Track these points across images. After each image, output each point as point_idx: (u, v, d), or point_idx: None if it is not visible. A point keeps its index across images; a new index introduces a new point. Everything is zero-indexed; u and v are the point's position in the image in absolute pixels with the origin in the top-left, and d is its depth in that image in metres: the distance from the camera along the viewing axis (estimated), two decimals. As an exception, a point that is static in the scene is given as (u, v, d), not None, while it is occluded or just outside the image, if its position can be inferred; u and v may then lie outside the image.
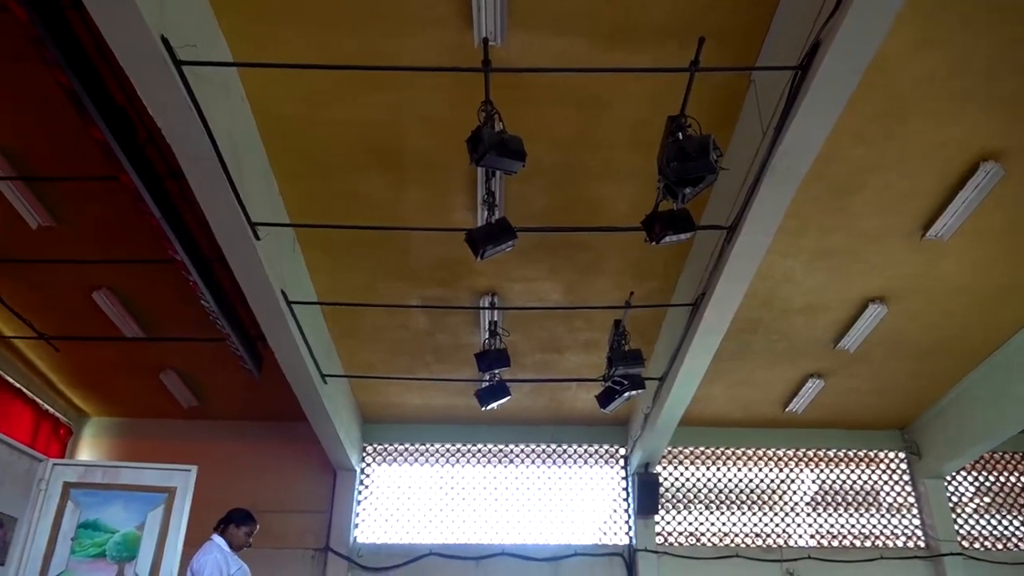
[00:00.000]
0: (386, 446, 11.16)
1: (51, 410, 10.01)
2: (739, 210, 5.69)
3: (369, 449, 11.13)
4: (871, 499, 11.04)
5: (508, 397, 7.97)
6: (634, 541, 10.50)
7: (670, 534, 10.69)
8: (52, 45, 4.66)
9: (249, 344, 8.26)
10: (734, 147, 5.80)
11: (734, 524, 10.82)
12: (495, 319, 7.95)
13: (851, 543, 10.74)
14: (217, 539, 5.31)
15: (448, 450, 11.13)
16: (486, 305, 7.95)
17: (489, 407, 8.00)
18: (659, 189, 4.88)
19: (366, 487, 10.94)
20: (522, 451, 11.14)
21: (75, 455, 10.45)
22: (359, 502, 10.78)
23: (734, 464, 11.18)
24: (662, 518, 10.72)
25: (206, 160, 4.98)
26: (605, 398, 7.67)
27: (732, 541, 10.71)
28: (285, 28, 5.10)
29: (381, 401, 10.46)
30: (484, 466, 11.06)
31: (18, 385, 9.31)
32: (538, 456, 11.13)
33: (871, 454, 11.20)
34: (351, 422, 10.31)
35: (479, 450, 11.12)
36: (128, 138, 5.49)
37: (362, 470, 10.98)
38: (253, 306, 6.82)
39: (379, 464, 11.11)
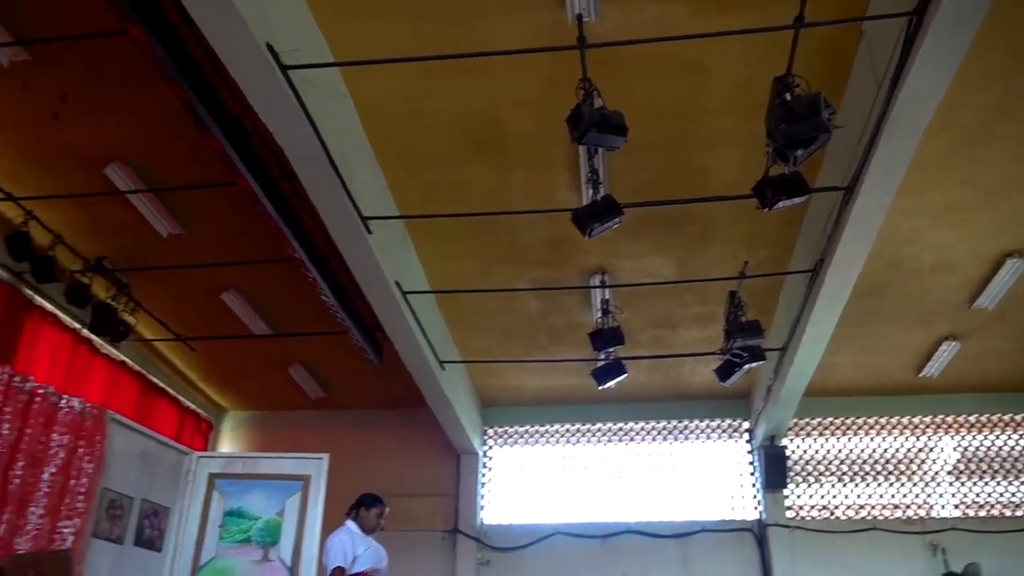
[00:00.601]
0: (506, 428, 11.31)
1: (192, 406, 10.66)
2: (857, 169, 5.42)
3: (490, 432, 11.31)
4: (1019, 465, 10.38)
5: (624, 375, 7.93)
6: (764, 516, 10.27)
7: (801, 508, 10.39)
8: (168, 61, 4.92)
9: (369, 335, 8.53)
10: (847, 103, 5.52)
11: (870, 496, 10.41)
12: (606, 297, 7.90)
13: (1000, 512, 10.15)
14: (349, 523, 5.51)
15: (568, 430, 11.17)
16: (596, 284, 7.91)
17: (606, 386, 7.98)
18: (768, 154, 4.71)
19: (489, 469, 11.13)
20: (642, 428, 11.06)
21: (216, 448, 11.10)
22: (483, 484, 10.98)
23: (866, 434, 10.73)
24: (792, 492, 10.42)
25: (316, 160, 5.16)
26: (724, 371, 7.51)
27: (869, 513, 10.31)
28: (379, 23, 5.19)
29: (499, 384, 10.60)
30: (605, 444, 11.05)
31: (161, 384, 9.95)
32: (659, 432, 11.02)
33: (1016, 418, 10.52)
34: (471, 406, 10.50)
35: (599, 429, 11.11)
36: (243, 144, 5.74)
37: (484, 453, 11.18)
38: (369, 298, 7.04)
39: (500, 446, 11.28)
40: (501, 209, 6.91)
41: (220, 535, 7.11)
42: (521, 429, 11.28)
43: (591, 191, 5.45)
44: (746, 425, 10.87)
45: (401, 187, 6.64)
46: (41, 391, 6.54)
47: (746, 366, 7.16)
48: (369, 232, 6.04)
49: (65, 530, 6.29)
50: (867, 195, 5.52)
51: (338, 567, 5.21)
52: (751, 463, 10.70)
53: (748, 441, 10.84)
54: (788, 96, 4.42)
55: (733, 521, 10.37)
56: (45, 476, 6.34)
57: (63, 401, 6.68)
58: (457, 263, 7.78)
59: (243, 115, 5.55)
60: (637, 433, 11.06)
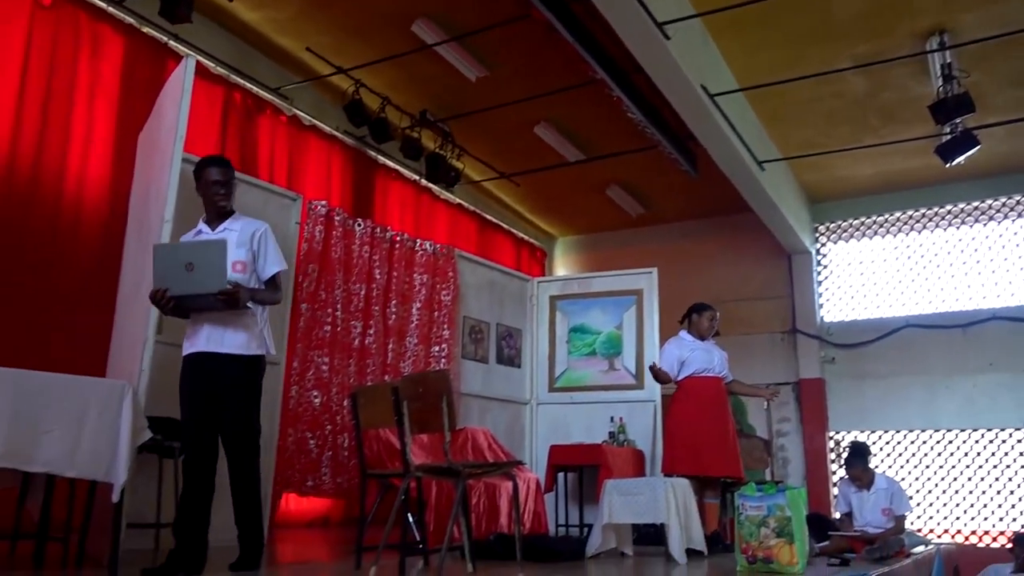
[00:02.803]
0: (839, 223, 10.66)
1: (525, 237, 11.45)
2: None
3: (821, 228, 10.75)
4: None
5: (977, 147, 6.99)
6: None
7: None
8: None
9: (681, 145, 8.37)
10: None
11: None
12: (948, 61, 6.86)
13: None
14: (682, 332, 5.75)
15: (911, 217, 10.22)
16: (934, 47, 6.88)
17: (954, 162, 7.12)
18: None
19: (824, 267, 10.67)
20: (1003, 205, 9.75)
21: (552, 272, 11.89)
22: (819, 283, 10.59)
23: None
24: None
25: (601, -28, 4.97)
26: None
27: None
28: None
29: (827, 177, 9.92)
30: (958, 227, 9.96)
31: (495, 220, 10.76)
32: (1025, 207, 9.65)
33: None
34: (798, 204, 10.01)
35: (948, 212, 10.01)
36: (529, -27, 5.69)
37: (817, 251, 10.70)
38: (676, 107, 6.84)
39: (834, 242, 10.70)
40: (809, -18, 6.18)
41: (568, 350, 7.76)
42: (856, 222, 10.56)
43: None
44: None
45: (694, -18, 6.19)
46: (399, 238, 7.43)
47: None
48: (667, 38, 5.78)
49: (437, 354, 7.27)
50: None
51: (667, 371, 5.61)
52: None
53: None
54: None
55: None
56: (414, 311, 7.30)
57: (418, 244, 7.54)
58: (764, 53, 7.20)
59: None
60: (997, 211, 9.78)
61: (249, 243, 3.74)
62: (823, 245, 10.73)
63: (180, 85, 4.47)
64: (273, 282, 3.80)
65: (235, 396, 3.59)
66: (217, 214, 3.83)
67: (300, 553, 4.97)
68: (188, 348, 3.70)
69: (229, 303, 3.48)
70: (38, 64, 5.47)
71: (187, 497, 3.58)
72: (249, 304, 3.63)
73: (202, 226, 3.85)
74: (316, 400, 6.36)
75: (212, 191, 3.82)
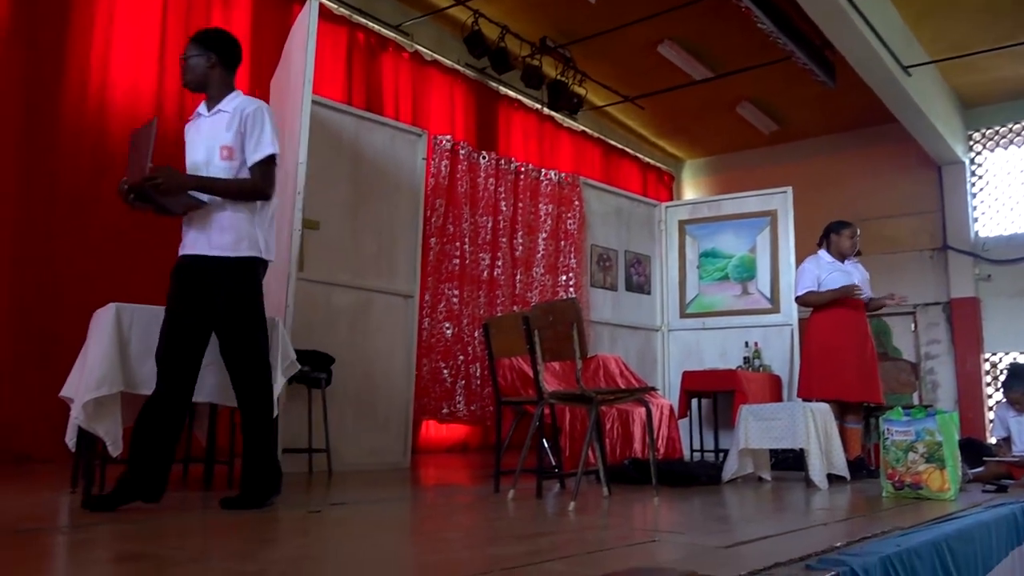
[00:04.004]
0: (996, 129, 9.82)
1: (651, 161, 11.19)
2: None
3: (976, 136, 9.93)
4: None
5: None
6: None
7: None
8: None
9: (816, 54, 7.87)
10: None
11: None
12: None
13: None
14: (820, 252, 5.46)
15: (1082, 117, 9.28)
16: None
17: None
18: None
19: (979, 177, 9.89)
20: None
21: (680, 197, 11.60)
22: (973, 195, 9.84)
23: None
24: None
25: None
26: None
27: None
28: None
29: (983, 80, 9.11)
30: None
31: (620, 146, 10.56)
32: None
33: None
34: (948, 110, 9.27)
35: None
36: None
37: (971, 160, 9.92)
38: (810, 12, 6.42)
39: (991, 150, 9.88)
40: None
41: (699, 275, 7.60)
42: (1016, 127, 9.69)
43: None
44: None
45: None
46: (523, 169, 7.43)
47: None
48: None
49: (564, 283, 7.29)
50: None
51: (807, 291, 5.33)
52: None
53: None
54: None
55: None
56: (540, 241, 7.33)
57: (542, 175, 7.51)
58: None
59: None
60: None
61: (238, 124, 3.13)
62: (978, 154, 9.93)
63: (305, 29, 4.58)
64: (257, 170, 3.13)
65: (223, 303, 3.08)
66: (206, 96, 3.25)
67: (442, 477, 5.20)
68: (179, 254, 3.22)
69: (167, 200, 3.03)
70: (175, 17, 5.74)
71: (146, 410, 3.03)
72: (205, 198, 3.09)
73: (200, 108, 3.30)
74: (448, 331, 6.56)
75: None
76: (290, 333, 3.85)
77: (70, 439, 3.44)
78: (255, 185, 3.13)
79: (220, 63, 3.20)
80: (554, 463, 4.64)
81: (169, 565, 1.93)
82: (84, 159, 5.22)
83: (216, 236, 3.09)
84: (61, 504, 3.09)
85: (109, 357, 3.12)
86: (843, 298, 5.22)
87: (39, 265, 4.91)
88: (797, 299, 5.52)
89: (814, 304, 5.36)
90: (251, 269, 3.14)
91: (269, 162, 3.13)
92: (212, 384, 3.34)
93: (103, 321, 3.21)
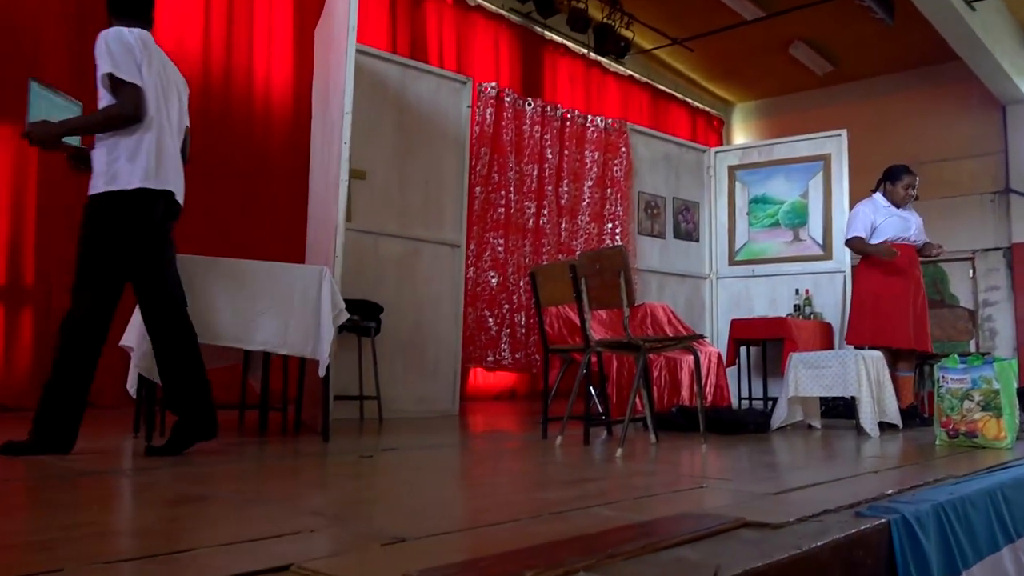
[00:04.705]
0: (1066, 65, 9.38)
1: (701, 106, 10.95)
2: None
3: (1044, 73, 9.51)
4: None
5: None
6: None
7: None
8: None
9: (874, -9, 7.57)
10: None
11: None
12: None
13: None
14: (876, 196, 5.27)
15: None
16: None
17: None
18: None
19: (1047, 117, 9.49)
20: None
21: (730, 141, 11.35)
22: (1040, 135, 9.46)
23: None
24: None
25: None
26: None
27: None
28: None
29: (1052, 12, 8.67)
30: None
31: (668, 90, 10.34)
32: None
33: None
34: (1015, 47, 8.85)
35: None
36: None
37: (1038, 99, 9.51)
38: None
39: (1060, 88, 9.45)
40: None
41: (749, 221, 7.46)
42: (1088, 62, 9.25)
43: None
44: None
45: None
46: (569, 115, 7.33)
47: None
48: None
49: (610, 231, 7.23)
50: None
51: (856, 236, 5.16)
52: None
53: None
54: None
55: None
56: (586, 189, 7.26)
57: (588, 121, 7.41)
58: None
59: None
60: None
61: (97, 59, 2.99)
62: (1045, 92, 9.52)
63: (348, -24, 4.52)
64: (113, 96, 2.95)
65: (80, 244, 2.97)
66: None
67: (490, 424, 5.27)
68: None
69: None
70: (219, -31, 5.74)
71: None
72: (72, 140, 3.04)
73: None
74: (493, 280, 6.58)
75: None
76: (339, 283, 3.90)
77: (131, 386, 3.57)
78: (107, 111, 2.95)
79: (110, 10, 3.14)
80: (601, 411, 4.66)
81: (228, 507, 2.00)
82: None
83: (92, 178, 2.98)
84: (124, 448, 3.22)
85: (165, 307, 3.19)
86: (896, 243, 5.06)
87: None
88: (846, 242, 5.35)
89: (859, 251, 5.22)
90: (96, 207, 2.95)
91: (116, 83, 2.93)
92: (266, 333, 3.41)
93: (158, 272, 3.28)
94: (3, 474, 2.50)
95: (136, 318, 3.54)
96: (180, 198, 3.15)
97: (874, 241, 5.12)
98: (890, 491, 2.19)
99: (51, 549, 1.45)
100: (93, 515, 1.89)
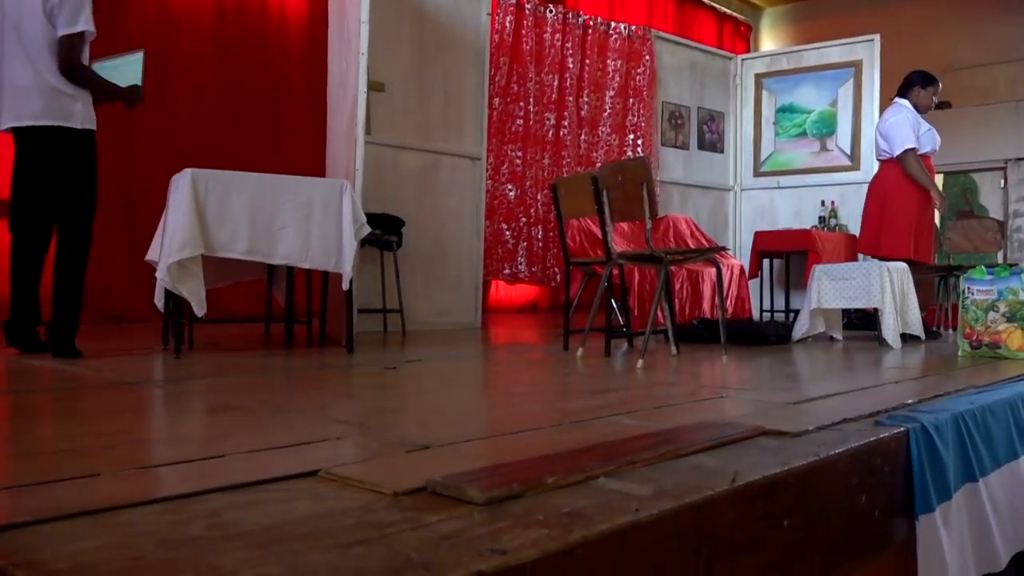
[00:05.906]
0: (1115, -38, 8.91)
1: (728, 11, 10.58)
2: None
3: (1090, -29, 9.05)
4: None
5: None
6: None
7: None
8: None
9: None
10: None
11: None
12: None
13: None
14: (905, 104, 5.02)
15: None
16: None
17: None
18: None
19: (1090, 18, 9.08)
20: None
21: (758, 48, 11.00)
22: (1082, 38, 9.08)
23: None
24: None
25: None
26: None
27: None
28: None
29: (1103, -95, 8.20)
30: None
31: (695, -5, 9.99)
32: None
33: None
34: (1061, -57, 8.43)
35: None
36: None
37: (1083, -1, 9.09)
38: None
39: (1107, -13, 9.01)
40: None
41: (775, 131, 7.31)
42: None
43: None
44: None
45: None
46: (592, 23, 7.12)
47: None
48: None
49: (632, 142, 7.12)
50: None
51: (913, 149, 4.78)
52: None
53: None
54: None
55: None
56: (607, 99, 7.11)
57: (611, 28, 7.20)
58: None
59: None
60: None
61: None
62: (1091, -8, 9.09)
63: None
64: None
65: None
66: None
67: (512, 336, 5.33)
68: None
69: None
70: None
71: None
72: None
73: None
74: (511, 193, 6.53)
75: None
76: (360, 196, 3.89)
77: (158, 300, 3.63)
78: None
79: None
80: (622, 323, 4.69)
81: (257, 416, 2.05)
82: (159, 24, 5.23)
83: None
84: (154, 360, 3.29)
85: (188, 221, 3.21)
86: (927, 157, 4.90)
87: (118, 132, 5.01)
88: (905, 152, 4.79)
89: (913, 171, 4.80)
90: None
91: (66, 41, 3.21)
92: (288, 247, 3.43)
93: (180, 186, 3.29)
94: (36, 384, 2.58)
95: (159, 234, 3.58)
96: (23, 122, 3.22)
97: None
98: (910, 400, 2.20)
99: (86, 455, 1.50)
100: (126, 423, 1.95)
